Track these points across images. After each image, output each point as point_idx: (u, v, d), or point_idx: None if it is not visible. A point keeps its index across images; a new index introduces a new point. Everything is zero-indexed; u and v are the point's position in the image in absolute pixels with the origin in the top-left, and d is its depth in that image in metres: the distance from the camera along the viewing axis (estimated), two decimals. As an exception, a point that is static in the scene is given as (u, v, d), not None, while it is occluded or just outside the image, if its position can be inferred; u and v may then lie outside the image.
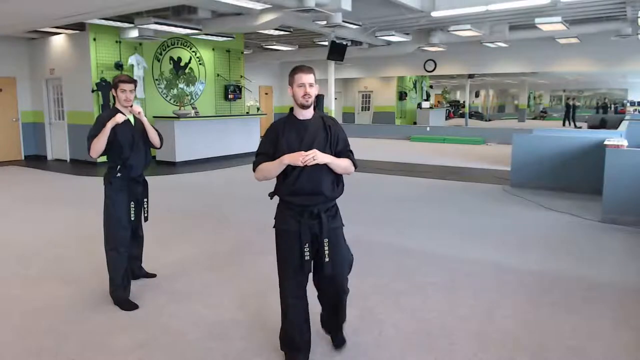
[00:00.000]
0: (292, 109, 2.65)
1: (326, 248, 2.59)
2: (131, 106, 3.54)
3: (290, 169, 2.54)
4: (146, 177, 3.79)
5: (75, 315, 3.41)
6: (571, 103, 25.00)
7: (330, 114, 13.39)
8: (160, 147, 3.74)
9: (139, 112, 3.52)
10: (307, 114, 2.61)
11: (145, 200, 3.76)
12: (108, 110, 3.66)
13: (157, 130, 3.73)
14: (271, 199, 2.65)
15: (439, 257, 4.63)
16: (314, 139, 2.56)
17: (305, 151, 2.50)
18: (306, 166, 2.49)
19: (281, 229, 2.65)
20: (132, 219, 3.63)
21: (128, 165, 3.54)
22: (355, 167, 2.71)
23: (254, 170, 2.63)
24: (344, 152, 2.66)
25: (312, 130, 2.58)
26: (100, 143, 3.41)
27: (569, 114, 24.41)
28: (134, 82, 3.58)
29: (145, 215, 3.78)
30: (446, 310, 3.50)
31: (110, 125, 3.39)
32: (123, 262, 3.57)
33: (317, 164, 2.52)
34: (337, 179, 2.66)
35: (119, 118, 3.43)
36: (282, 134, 2.57)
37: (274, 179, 2.65)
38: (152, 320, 3.31)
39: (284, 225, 2.63)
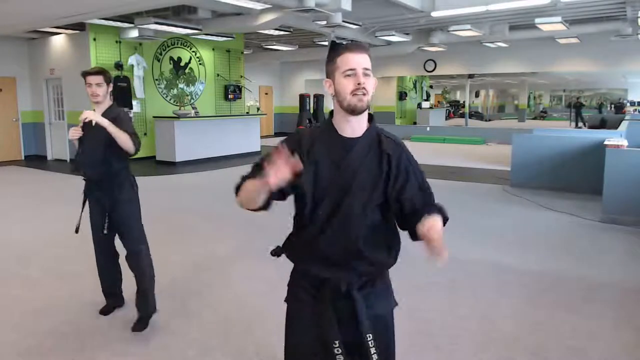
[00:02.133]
0: (331, 114, 1.58)
1: (373, 352, 1.55)
2: (98, 102, 3.12)
3: (311, 206, 1.53)
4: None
5: (75, 315, 3.40)
6: (575, 102, 24.96)
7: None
8: (135, 152, 3.06)
9: (88, 120, 3.04)
10: (358, 126, 1.53)
11: (107, 214, 3.16)
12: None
13: (133, 133, 3.05)
14: (277, 256, 1.71)
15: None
16: (356, 172, 1.50)
17: (339, 193, 1.51)
18: (339, 207, 1.50)
19: (290, 306, 1.70)
20: (105, 232, 3.19)
21: (80, 165, 3.23)
22: (446, 220, 1.54)
23: (235, 192, 1.58)
24: (419, 199, 1.57)
25: (356, 156, 1.51)
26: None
27: (576, 114, 24.33)
28: (102, 73, 3.09)
29: (104, 231, 3.19)
30: (446, 310, 3.49)
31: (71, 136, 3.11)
32: (100, 268, 3.37)
33: (357, 206, 1.50)
34: (393, 237, 1.63)
35: (75, 133, 3.10)
36: (307, 155, 1.51)
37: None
38: (152, 320, 3.31)
39: (294, 300, 1.68)
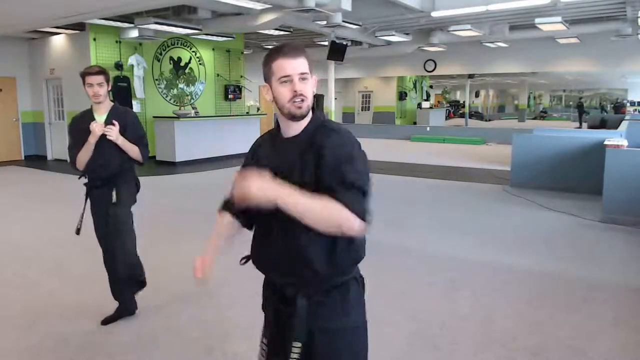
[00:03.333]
0: (277, 121, 1.58)
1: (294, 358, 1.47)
2: (100, 102, 3.11)
3: (255, 212, 1.49)
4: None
5: (75, 315, 3.40)
6: (578, 102, 25.01)
7: (330, 116, 13.37)
8: (143, 161, 3.25)
9: (111, 137, 3.04)
10: (298, 126, 1.50)
11: (114, 190, 3.16)
12: (81, 113, 3.23)
13: (142, 137, 3.22)
14: (242, 264, 1.71)
15: (439, 257, 4.63)
16: (290, 173, 1.45)
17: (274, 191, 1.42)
18: (280, 217, 1.40)
19: (263, 310, 1.70)
20: (80, 227, 3.23)
21: (90, 168, 3.18)
22: (363, 219, 1.37)
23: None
24: (332, 187, 1.38)
25: (291, 156, 1.48)
26: (84, 156, 3.10)
27: (579, 114, 24.35)
28: (103, 72, 3.06)
29: (112, 200, 3.16)
30: (446, 310, 3.49)
31: (93, 140, 3.03)
32: (108, 267, 3.32)
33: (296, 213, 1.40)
34: (333, 244, 1.46)
35: (97, 130, 3.02)
36: (253, 158, 1.61)
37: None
38: (152, 320, 3.31)
39: (263, 307, 1.68)
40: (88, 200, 3.29)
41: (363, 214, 1.37)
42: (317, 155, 1.43)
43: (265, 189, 1.35)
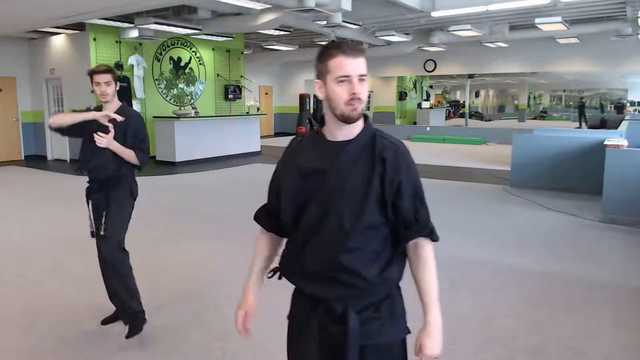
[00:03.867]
0: (322, 119, 1.47)
1: None
2: (107, 101, 3.06)
3: (292, 219, 1.45)
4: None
5: (74, 315, 3.41)
6: (578, 102, 25.06)
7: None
8: (142, 166, 3.15)
9: (96, 140, 2.96)
10: (349, 130, 1.42)
11: (104, 212, 3.06)
12: (93, 109, 3.24)
13: (142, 141, 3.14)
14: (269, 277, 1.69)
15: (439, 257, 4.60)
16: (345, 178, 1.38)
17: (326, 201, 1.39)
18: (327, 217, 1.38)
19: (290, 320, 1.60)
20: (93, 229, 3.12)
21: (86, 167, 3.15)
22: (434, 239, 1.55)
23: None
24: (412, 209, 1.46)
25: (347, 160, 1.40)
26: (67, 119, 3.01)
27: (579, 114, 24.41)
28: (110, 71, 3.02)
29: (100, 232, 3.07)
30: (446, 310, 3.48)
31: (92, 115, 2.98)
32: (102, 272, 3.18)
33: (347, 215, 1.37)
34: (389, 250, 1.46)
35: (99, 115, 2.98)
36: (290, 162, 1.48)
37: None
38: (152, 320, 3.31)
39: (291, 316, 1.60)
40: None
41: (435, 237, 1.56)
42: (387, 171, 1.39)
43: (438, 339, 1.53)
